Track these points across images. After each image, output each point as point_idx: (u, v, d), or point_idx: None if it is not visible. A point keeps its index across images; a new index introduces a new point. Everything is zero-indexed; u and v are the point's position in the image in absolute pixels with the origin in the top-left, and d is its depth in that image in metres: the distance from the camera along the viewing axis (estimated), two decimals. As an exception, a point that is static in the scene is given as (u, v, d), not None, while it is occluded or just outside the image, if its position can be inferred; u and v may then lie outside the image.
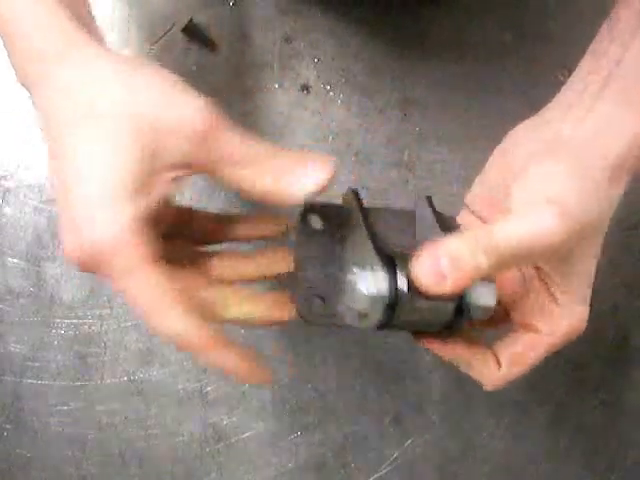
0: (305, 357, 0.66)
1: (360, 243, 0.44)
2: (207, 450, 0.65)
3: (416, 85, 0.68)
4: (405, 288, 0.41)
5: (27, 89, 0.42)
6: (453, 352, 0.46)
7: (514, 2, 0.69)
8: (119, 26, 0.67)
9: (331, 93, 0.68)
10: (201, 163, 0.40)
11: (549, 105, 0.49)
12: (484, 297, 0.43)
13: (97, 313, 0.65)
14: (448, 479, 0.67)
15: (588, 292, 0.46)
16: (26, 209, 0.66)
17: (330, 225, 0.46)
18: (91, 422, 0.65)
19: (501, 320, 0.49)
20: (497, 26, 0.69)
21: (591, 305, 0.46)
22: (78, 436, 0.65)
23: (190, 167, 0.40)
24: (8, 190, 0.66)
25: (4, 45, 0.42)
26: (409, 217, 0.49)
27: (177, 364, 0.65)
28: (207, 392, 0.65)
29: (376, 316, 0.42)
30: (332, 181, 0.41)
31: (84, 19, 0.42)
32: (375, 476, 0.66)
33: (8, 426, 0.65)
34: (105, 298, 0.65)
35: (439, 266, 0.39)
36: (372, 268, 0.42)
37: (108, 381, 0.65)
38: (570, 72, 0.54)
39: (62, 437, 0.65)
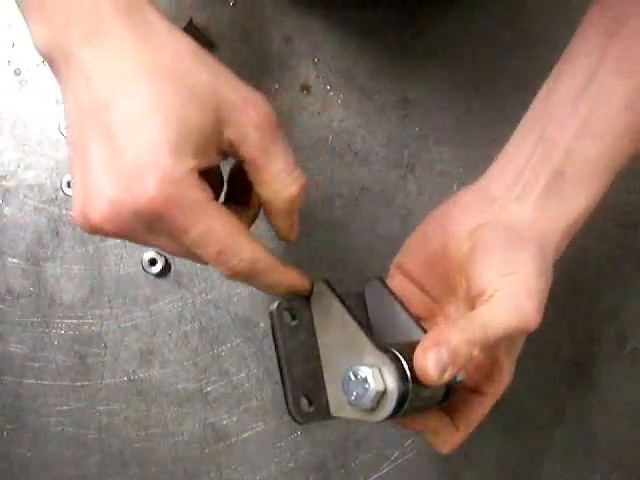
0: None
1: (353, 338, 0.45)
2: (207, 450, 0.65)
3: (416, 85, 0.68)
4: (411, 381, 0.44)
5: (58, 48, 0.41)
6: (426, 424, 0.50)
7: (514, 2, 0.69)
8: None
9: (331, 93, 0.68)
10: (250, 153, 0.44)
11: (490, 175, 0.52)
12: (459, 374, 0.46)
13: (97, 313, 0.65)
14: (448, 479, 0.67)
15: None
16: (26, 209, 0.66)
17: (302, 319, 0.47)
18: (91, 422, 0.65)
19: None
20: (497, 26, 0.69)
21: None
22: (78, 436, 0.65)
23: (237, 151, 0.43)
24: (8, 190, 0.66)
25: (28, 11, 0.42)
26: (361, 298, 0.52)
27: (177, 364, 0.65)
28: (207, 392, 0.65)
29: (387, 411, 0.44)
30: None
31: None
32: (375, 476, 0.66)
33: (8, 426, 0.65)
34: (105, 298, 0.65)
35: (442, 359, 0.43)
36: (379, 365, 0.44)
37: (108, 381, 0.65)
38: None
39: (62, 437, 0.65)
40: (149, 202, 0.39)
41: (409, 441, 0.66)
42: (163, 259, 0.65)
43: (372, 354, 0.44)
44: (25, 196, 0.66)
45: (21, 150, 0.66)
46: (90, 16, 0.41)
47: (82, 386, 0.65)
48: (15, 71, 0.67)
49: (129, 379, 0.65)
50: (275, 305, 0.47)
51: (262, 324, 0.66)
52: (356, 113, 0.68)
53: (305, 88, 0.68)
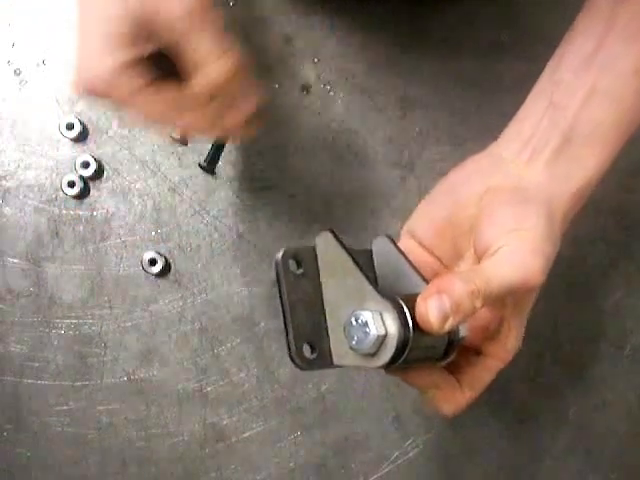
0: (305, 357, 0.66)
1: (357, 286, 0.46)
2: (207, 450, 0.65)
3: (416, 85, 0.68)
4: (412, 328, 0.43)
5: None
6: (429, 380, 0.49)
7: (513, 1, 0.69)
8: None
9: (331, 93, 0.68)
10: (176, 41, 0.48)
11: (501, 141, 0.52)
12: (462, 329, 0.46)
13: (97, 313, 0.65)
14: (448, 479, 0.67)
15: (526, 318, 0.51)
16: (26, 209, 0.66)
17: (308, 268, 0.48)
18: (91, 422, 0.65)
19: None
20: (496, 26, 0.69)
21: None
22: (78, 436, 0.65)
23: (167, 41, 0.49)
24: (8, 190, 0.66)
25: None
26: (369, 255, 0.51)
27: (177, 364, 0.65)
28: (207, 392, 0.65)
29: (387, 356, 0.44)
30: None
31: None
32: (375, 476, 0.66)
33: (8, 426, 0.65)
34: (105, 298, 0.65)
35: (444, 308, 0.43)
36: (381, 310, 0.44)
37: (108, 381, 0.65)
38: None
39: (62, 437, 0.65)
40: (91, 92, 0.49)
41: (409, 441, 0.66)
42: (163, 259, 0.65)
43: (374, 300, 0.44)
44: (25, 196, 0.66)
45: (21, 150, 0.66)
46: None
47: (82, 386, 0.65)
48: (15, 71, 0.67)
49: (129, 379, 0.65)
50: (281, 253, 0.47)
51: (262, 324, 0.66)
52: (356, 113, 0.68)
53: (305, 88, 0.68)
